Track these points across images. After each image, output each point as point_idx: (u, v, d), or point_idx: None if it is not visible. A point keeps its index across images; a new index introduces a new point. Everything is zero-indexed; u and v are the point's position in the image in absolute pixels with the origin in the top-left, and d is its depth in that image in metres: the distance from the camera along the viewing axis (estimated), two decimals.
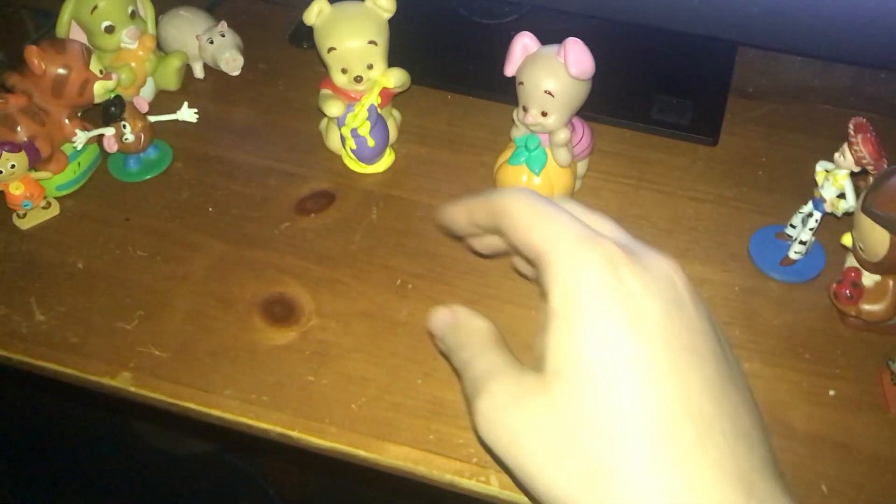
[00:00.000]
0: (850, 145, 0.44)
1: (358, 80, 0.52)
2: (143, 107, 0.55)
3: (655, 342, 0.26)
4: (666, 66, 0.64)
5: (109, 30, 0.57)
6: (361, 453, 0.42)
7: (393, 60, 0.54)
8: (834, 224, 0.49)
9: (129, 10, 0.57)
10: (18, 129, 0.50)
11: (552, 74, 0.47)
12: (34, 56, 0.50)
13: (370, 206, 0.55)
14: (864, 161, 0.44)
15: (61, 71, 0.51)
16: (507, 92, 0.51)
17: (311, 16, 0.51)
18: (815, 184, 0.48)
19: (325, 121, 0.57)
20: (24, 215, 0.53)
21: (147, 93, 0.61)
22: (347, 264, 0.51)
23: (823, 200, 0.47)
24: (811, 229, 0.48)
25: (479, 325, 0.33)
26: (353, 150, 0.54)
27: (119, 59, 0.58)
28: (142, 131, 0.54)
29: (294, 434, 0.43)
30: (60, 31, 0.57)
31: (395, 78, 0.53)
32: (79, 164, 0.55)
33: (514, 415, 0.27)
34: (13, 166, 0.50)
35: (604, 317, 0.26)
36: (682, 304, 0.28)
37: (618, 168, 0.57)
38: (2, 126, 0.50)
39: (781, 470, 0.27)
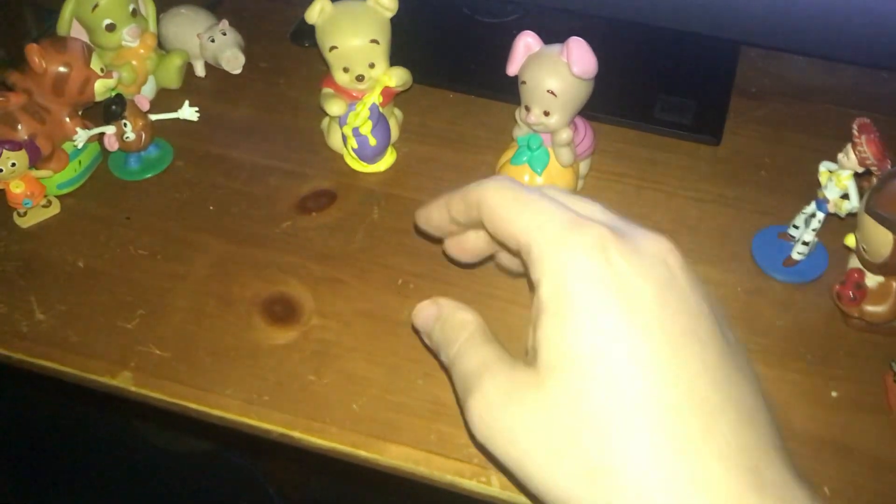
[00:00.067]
0: (854, 146, 0.44)
1: (360, 78, 0.52)
2: (144, 105, 0.55)
3: (651, 329, 0.25)
4: (668, 65, 0.63)
5: (110, 28, 0.57)
6: (362, 453, 0.42)
7: (395, 59, 0.53)
8: (837, 224, 0.49)
9: (130, 8, 0.57)
10: (19, 127, 0.50)
11: (555, 74, 0.46)
12: (35, 54, 0.50)
13: (371, 205, 0.54)
14: (868, 162, 0.44)
15: (62, 69, 0.51)
16: (509, 91, 0.51)
17: (313, 14, 0.51)
18: (818, 184, 0.48)
19: (326, 119, 0.57)
20: (25, 214, 0.52)
21: (148, 91, 0.60)
22: (348, 263, 0.51)
23: (827, 201, 0.47)
24: (814, 230, 0.48)
25: (466, 317, 0.32)
26: (354, 149, 0.54)
27: (120, 58, 0.58)
28: (143, 130, 0.54)
29: (295, 434, 0.43)
30: (61, 29, 0.57)
31: (397, 77, 0.53)
32: (79, 162, 0.54)
33: (509, 413, 0.26)
34: (14, 165, 0.49)
35: (596, 306, 0.25)
36: (678, 286, 0.26)
37: (620, 168, 0.57)
38: (2, 124, 0.49)
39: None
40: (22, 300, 0.48)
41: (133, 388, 0.44)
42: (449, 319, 0.32)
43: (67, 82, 0.51)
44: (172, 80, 0.62)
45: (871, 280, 0.45)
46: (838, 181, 0.46)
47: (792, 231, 0.51)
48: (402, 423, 0.43)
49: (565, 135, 0.49)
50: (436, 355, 0.33)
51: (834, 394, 0.44)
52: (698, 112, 0.59)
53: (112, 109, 0.53)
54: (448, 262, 0.50)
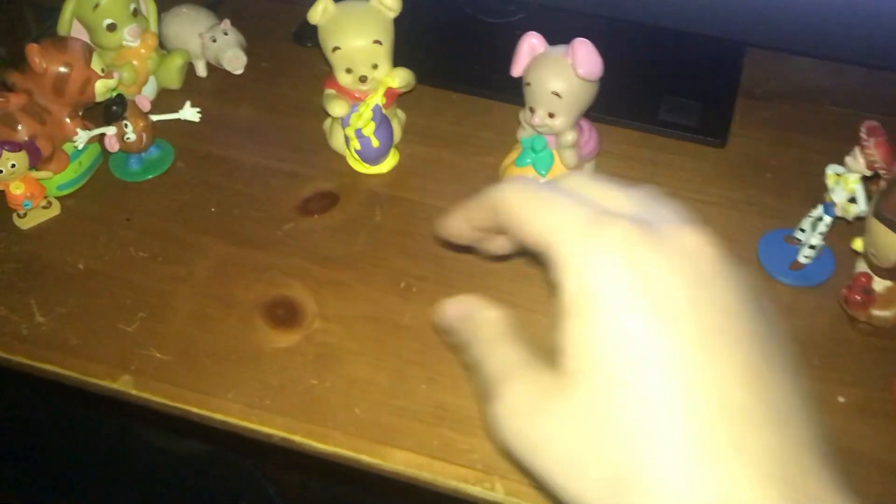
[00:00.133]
0: (863, 149, 0.44)
1: (363, 79, 0.52)
2: (145, 106, 0.54)
3: (682, 330, 0.24)
4: (674, 66, 0.63)
5: (111, 28, 0.56)
6: (365, 458, 0.42)
7: (397, 60, 0.53)
8: (844, 228, 0.48)
9: (131, 7, 0.57)
10: (19, 127, 0.49)
11: (560, 75, 0.46)
12: (35, 54, 0.49)
13: (374, 207, 0.54)
14: (877, 165, 0.43)
15: (62, 69, 0.50)
16: (512, 92, 0.50)
17: (316, 14, 0.51)
18: (824, 187, 0.47)
19: (328, 120, 0.57)
20: (25, 215, 0.52)
21: (149, 91, 0.60)
22: (351, 266, 0.50)
23: (834, 204, 0.46)
24: (821, 233, 0.48)
25: (494, 316, 0.30)
26: (357, 151, 0.54)
27: (121, 58, 0.58)
28: (143, 130, 0.54)
29: (297, 439, 0.42)
30: (62, 28, 0.56)
31: (400, 78, 0.53)
32: (80, 163, 0.54)
33: (534, 420, 0.26)
34: (14, 166, 0.49)
35: (621, 308, 0.24)
36: (712, 282, 0.25)
37: (625, 170, 0.56)
38: (2, 125, 0.49)
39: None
40: (21, 302, 0.48)
41: (134, 392, 0.44)
42: (475, 318, 0.30)
43: (68, 82, 0.51)
44: (173, 81, 0.61)
45: (879, 284, 0.45)
46: (846, 184, 0.46)
47: (798, 234, 0.50)
48: (404, 428, 0.42)
49: (570, 136, 0.48)
50: (457, 354, 0.32)
51: (841, 399, 0.44)
52: (704, 114, 0.59)
53: (113, 110, 0.53)
54: (452, 265, 0.50)
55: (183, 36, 0.62)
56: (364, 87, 0.53)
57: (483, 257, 0.36)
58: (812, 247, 0.49)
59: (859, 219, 0.46)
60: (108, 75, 0.53)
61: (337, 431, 0.42)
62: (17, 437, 1.07)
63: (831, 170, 0.47)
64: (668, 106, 0.59)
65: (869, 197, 0.45)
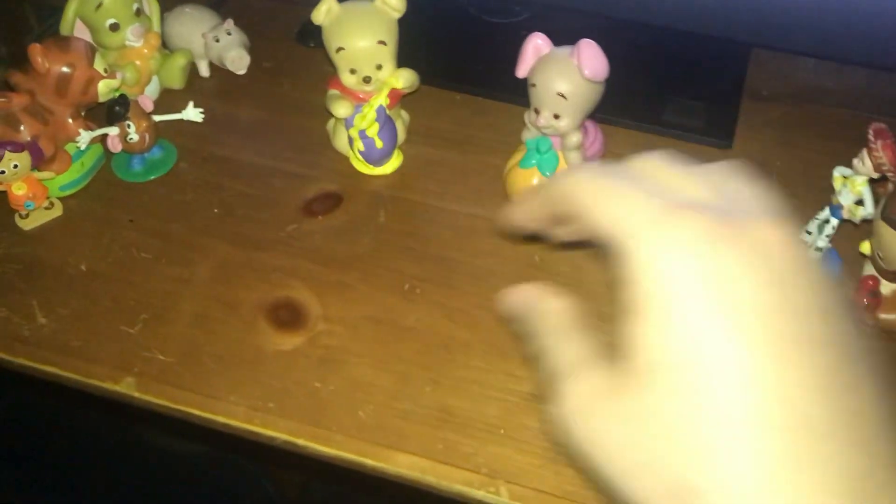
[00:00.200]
0: (870, 151, 0.44)
1: (367, 80, 0.52)
2: (148, 106, 0.54)
3: (756, 334, 0.22)
4: (679, 67, 0.63)
5: (114, 27, 0.56)
6: (368, 462, 0.41)
7: (401, 60, 0.53)
8: (850, 230, 0.48)
9: (134, 7, 0.56)
10: (21, 128, 0.49)
11: (565, 76, 0.46)
12: (38, 54, 0.49)
13: (378, 208, 0.54)
14: (885, 168, 0.43)
15: (65, 69, 0.50)
16: (516, 93, 0.50)
17: (320, 15, 0.50)
18: (830, 189, 0.47)
19: (332, 121, 0.57)
20: (27, 216, 0.52)
21: (152, 92, 0.60)
22: (355, 267, 0.50)
23: (841, 207, 0.46)
24: (827, 236, 0.48)
25: (562, 305, 0.29)
26: (360, 152, 0.53)
27: (124, 58, 0.58)
28: (146, 131, 0.54)
29: (300, 442, 0.42)
30: (64, 28, 0.56)
31: (404, 79, 0.52)
32: (82, 163, 0.54)
33: (598, 419, 0.25)
34: (16, 166, 0.49)
35: (695, 309, 0.23)
36: (790, 282, 0.23)
37: None
38: (5, 125, 0.49)
39: None
40: (23, 304, 0.48)
41: (136, 394, 0.44)
42: (543, 306, 0.29)
43: (70, 83, 0.50)
44: (176, 81, 0.61)
45: (886, 288, 0.44)
46: (853, 187, 0.46)
47: (805, 237, 0.50)
48: (409, 432, 0.42)
49: (575, 138, 0.48)
50: (521, 342, 0.31)
51: None
52: (709, 115, 0.59)
53: (115, 110, 0.52)
54: (456, 267, 0.50)
55: (186, 36, 0.62)
56: (368, 88, 0.52)
57: (546, 246, 0.35)
58: (818, 249, 0.48)
59: (866, 221, 0.45)
60: (111, 75, 0.52)
61: (340, 435, 0.42)
62: (18, 438, 1.07)
63: (838, 172, 0.47)
64: (673, 107, 0.59)
65: (876, 199, 0.45)
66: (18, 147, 0.49)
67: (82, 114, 0.53)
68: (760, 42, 0.59)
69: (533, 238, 0.33)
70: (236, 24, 0.62)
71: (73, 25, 0.56)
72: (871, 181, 0.45)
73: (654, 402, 0.23)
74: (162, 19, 0.61)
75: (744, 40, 0.59)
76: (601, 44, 0.45)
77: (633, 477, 0.23)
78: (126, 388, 0.44)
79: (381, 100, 0.51)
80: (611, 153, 0.55)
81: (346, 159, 0.56)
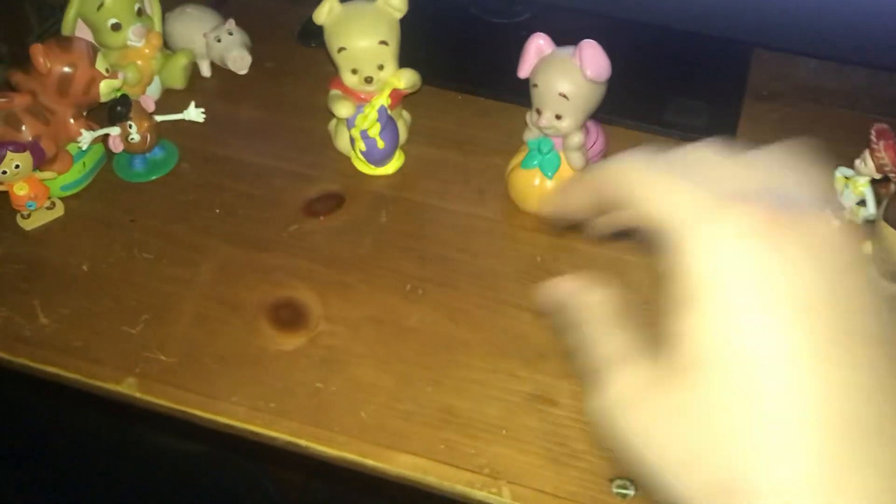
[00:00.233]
0: (872, 152, 0.44)
1: (368, 80, 0.52)
2: (150, 106, 0.54)
3: (810, 331, 0.22)
4: (681, 67, 0.63)
5: (116, 27, 0.56)
6: (370, 462, 0.41)
7: (403, 60, 0.53)
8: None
9: (136, 7, 0.56)
10: (23, 128, 0.49)
11: (567, 77, 0.46)
12: (39, 54, 0.49)
13: (379, 208, 0.54)
14: (887, 168, 0.43)
15: (67, 69, 0.50)
16: (518, 93, 0.50)
17: (322, 15, 0.50)
18: (833, 190, 0.47)
19: (334, 121, 0.57)
20: (29, 216, 0.52)
21: (153, 92, 0.60)
22: (356, 268, 0.50)
23: (842, 208, 0.46)
24: None
25: (602, 297, 0.29)
26: (362, 152, 0.53)
27: (125, 58, 0.57)
28: (148, 131, 0.53)
29: (302, 442, 0.42)
30: (66, 28, 0.56)
31: (406, 79, 0.52)
32: (84, 164, 0.54)
33: (644, 411, 0.24)
34: (17, 166, 0.49)
35: (748, 303, 0.22)
36: (843, 278, 0.23)
37: None
38: (6, 125, 0.49)
39: None
40: (25, 304, 0.48)
41: (138, 395, 0.44)
42: (587, 297, 0.29)
43: (72, 83, 0.50)
44: (178, 81, 0.61)
45: (889, 288, 0.44)
46: (855, 188, 0.46)
47: None
48: (410, 432, 0.42)
49: (577, 138, 0.48)
50: (559, 336, 0.30)
51: None
52: (710, 115, 0.59)
53: (117, 110, 0.52)
54: (457, 267, 0.50)
55: (187, 36, 0.62)
56: (370, 88, 0.52)
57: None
58: None
59: (868, 222, 0.45)
60: (113, 75, 0.52)
61: (342, 435, 0.42)
62: (18, 438, 1.07)
63: (840, 173, 0.47)
64: (675, 107, 0.59)
65: (878, 200, 0.45)
66: (20, 147, 0.49)
67: (84, 114, 0.53)
68: (762, 42, 0.59)
69: (572, 228, 0.32)
70: (238, 24, 0.62)
71: (75, 25, 0.56)
72: (873, 182, 0.45)
73: (703, 398, 0.23)
74: (163, 19, 0.61)
75: (745, 40, 0.59)
76: (603, 44, 0.45)
77: (679, 472, 0.23)
78: (127, 388, 0.44)
79: (383, 100, 0.51)
80: (613, 153, 0.55)
81: (347, 159, 0.56)
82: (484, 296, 0.48)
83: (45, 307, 0.48)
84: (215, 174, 0.56)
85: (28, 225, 0.52)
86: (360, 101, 0.52)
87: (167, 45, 0.61)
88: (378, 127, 0.52)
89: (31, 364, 0.45)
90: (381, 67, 0.51)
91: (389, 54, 0.51)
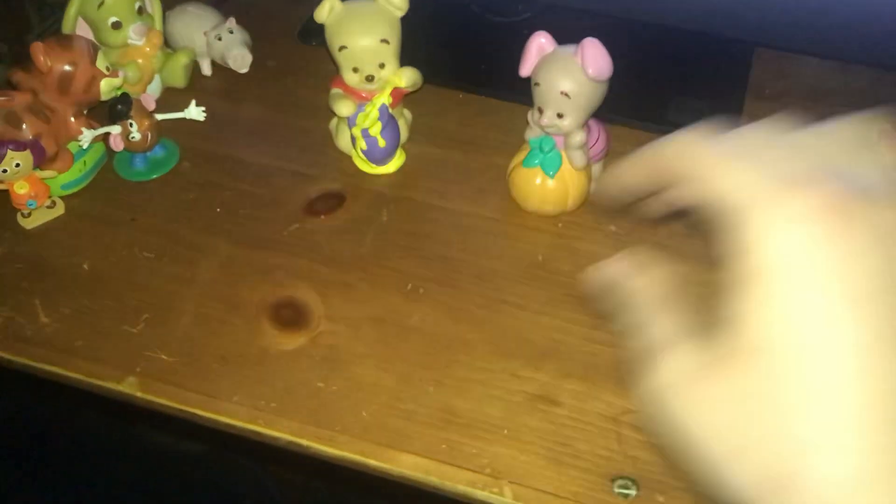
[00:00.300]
0: None
1: (369, 79, 0.51)
2: (150, 105, 0.54)
3: (875, 322, 0.21)
4: (683, 66, 0.62)
5: (116, 26, 0.56)
6: (372, 462, 0.41)
7: (404, 59, 0.53)
8: None
9: (137, 6, 0.56)
10: (23, 127, 0.49)
11: (569, 75, 0.46)
12: (40, 52, 0.49)
13: (380, 207, 0.54)
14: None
15: (67, 68, 0.50)
16: (520, 92, 0.50)
17: (323, 13, 0.50)
18: None
19: (335, 120, 0.57)
20: (29, 215, 0.52)
21: (154, 90, 0.60)
22: (358, 267, 0.50)
23: None
24: None
25: (655, 278, 0.28)
26: (363, 151, 0.53)
27: (126, 56, 0.57)
28: (148, 130, 0.53)
29: (303, 442, 0.42)
30: (66, 26, 0.56)
31: (407, 77, 0.52)
32: (84, 162, 0.54)
33: (696, 394, 0.23)
34: (18, 165, 0.49)
35: (812, 289, 0.22)
36: None
37: None
38: (7, 124, 0.49)
39: None
40: (26, 303, 0.48)
41: (139, 394, 0.44)
42: (638, 278, 0.28)
43: (73, 81, 0.50)
44: (179, 79, 0.61)
45: None
46: None
47: None
48: (412, 432, 0.42)
49: (579, 137, 0.48)
50: (609, 319, 0.29)
51: None
52: (713, 114, 0.58)
53: (118, 109, 0.52)
54: (459, 267, 0.50)
55: (188, 34, 0.61)
56: (371, 87, 0.52)
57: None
58: None
59: None
60: (113, 74, 0.52)
61: (344, 435, 0.42)
62: (18, 438, 1.07)
63: None
64: (677, 106, 0.59)
65: None
66: (20, 146, 0.48)
67: (84, 112, 0.53)
68: (763, 41, 0.59)
69: (622, 211, 0.30)
70: (238, 22, 0.62)
71: (75, 24, 0.56)
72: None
73: (759, 385, 0.22)
74: (164, 18, 0.61)
75: (747, 39, 0.59)
76: (604, 43, 0.45)
77: (729, 461, 0.22)
78: (129, 387, 0.44)
79: (384, 99, 0.51)
80: (614, 152, 0.55)
81: (348, 158, 0.56)
82: (485, 295, 0.48)
83: (45, 306, 0.48)
84: (216, 173, 0.56)
85: (28, 224, 0.52)
86: (362, 100, 0.52)
87: (168, 44, 0.61)
88: (379, 126, 0.52)
89: (32, 363, 0.45)
90: (382, 66, 0.51)
91: (391, 53, 0.51)
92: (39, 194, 0.51)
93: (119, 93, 0.53)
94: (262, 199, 0.54)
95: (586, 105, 0.47)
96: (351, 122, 0.52)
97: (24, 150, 0.49)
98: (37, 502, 1.02)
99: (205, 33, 0.61)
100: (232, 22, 0.61)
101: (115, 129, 0.53)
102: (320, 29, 0.52)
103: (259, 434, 0.42)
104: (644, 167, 0.29)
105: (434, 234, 0.52)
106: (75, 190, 0.54)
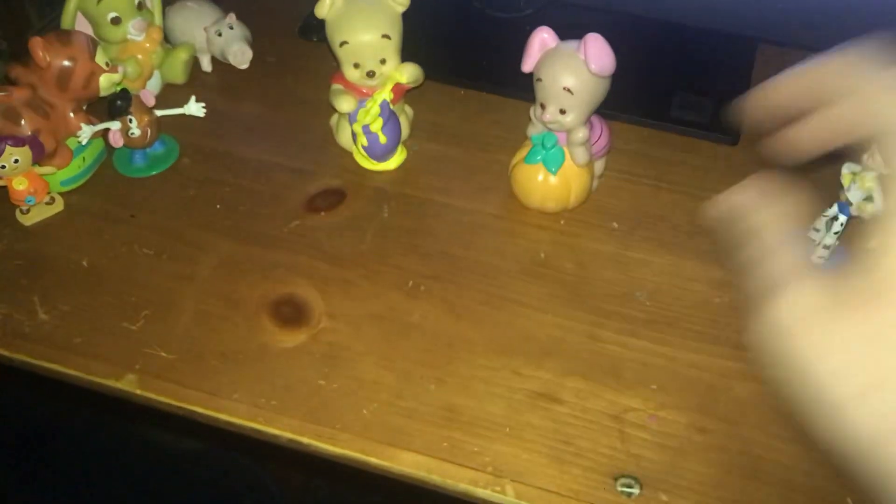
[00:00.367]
0: None
1: (370, 74, 0.51)
2: (150, 100, 0.54)
3: None
4: (686, 63, 0.62)
5: (116, 21, 0.56)
6: (373, 460, 0.41)
7: (405, 55, 0.52)
8: (859, 227, 0.47)
9: (136, 1, 0.56)
10: (22, 122, 0.49)
11: (572, 71, 0.45)
12: (39, 48, 0.48)
13: (381, 204, 0.53)
14: None
15: (66, 63, 0.49)
16: (521, 88, 0.50)
17: (324, 8, 0.50)
18: (839, 186, 0.47)
19: (335, 116, 0.56)
20: (28, 211, 0.51)
21: (153, 86, 0.59)
22: (358, 264, 0.50)
23: (849, 204, 0.46)
24: (836, 233, 0.47)
25: (783, 208, 0.26)
26: (364, 147, 0.53)
27: (125, 52, 0.57)
28: (148, 126, 0.53)
29: (304, 440, 0.42)
30: (66, 22, 0.56)
31: (409, 73, 0.52)
32: (84, 158, 0.53)
33: (825, 327, 0.22)
34: (17, 161, 0.48)
35: None
36: None
37: (636, 167, 0.55)
38: (5, 120, 0.48)
39: None
40: (24, 300, 0.47)
41: (138, 392, 0.43)
42: (765, 208, 0.26)
43: (72, 77, 0.50)
44: (178, 75, 0.61)
45: None
46: (862, 183, 0.45)
47: (812, 234, 0.49)
48: (413, 430, 0.42)
49: (581, 133, 0.48)
50: (727, 253, 0.27)
51: None
52: (716, 111, 0.58)
53: (117, 105, 0.52)
54: (460, 264, 0.49)
55: (188, 30, 0.61)
56: (372, 83, 0.52)
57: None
58: (826, 247, 0.48)
59: (875, 218, 0.45)
60: (113, 69, 0.52)
61: (345, 433, 0.42)
62: (19, 436, 1.07)
63: (847, 168, 0.46)
64: (680, 103, 0.59)
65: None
66: (19, 141, 0.48)
67: (84, 108, 0.53)
68: (767, 37, 0.59)
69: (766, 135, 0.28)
70: (238, 18, 0.61)
71: (75, 19, 0.56)
72: (882, 177, 0.45)
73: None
74: (164, 13, 0.60)
75: (751, 35, 0.59)
76: (607, 38, 0.45)
77: (853, 402, 0.21)
78: (128, 385, 0.44)
79: (385, 95, 0.51)
80: (617, 149, 0.54)
81: (349, 155, 0.56)
82: (487, 292, 0.48)
83: (44, 303, 0.47)
84: (216, 169, 0.55)
85: (27, 220, 0.51)
86: (362, 96, 0.52)
87: (167, 40, 0.61)
88: (380, 122, 0.51)
89: (31, 361, 0.45)
90: (383, 62, 0.51)
91: (392, 48, 0.51)
92: (38, 190, 0.51)
93: (118, 89, 0.53)
94: (263, 196, 0.54)
95: (589, 101, 0.47)
96: (352, 118, 0.52)
97: (23, 145, 0.48)
98: (36, 500, 1.02)
99: (205, 29, 0.61)
100: (232, 18, 0.61)
101: (115, 125, 0.52)
102: (321, 25, 0.51)
103: (259, 432, 0.42)
104: (802, 81, 0.27)
105: (435, 231, 0.51)
106: (74, 186, 0.53)
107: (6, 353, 0.45)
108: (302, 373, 0.44)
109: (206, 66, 0.63)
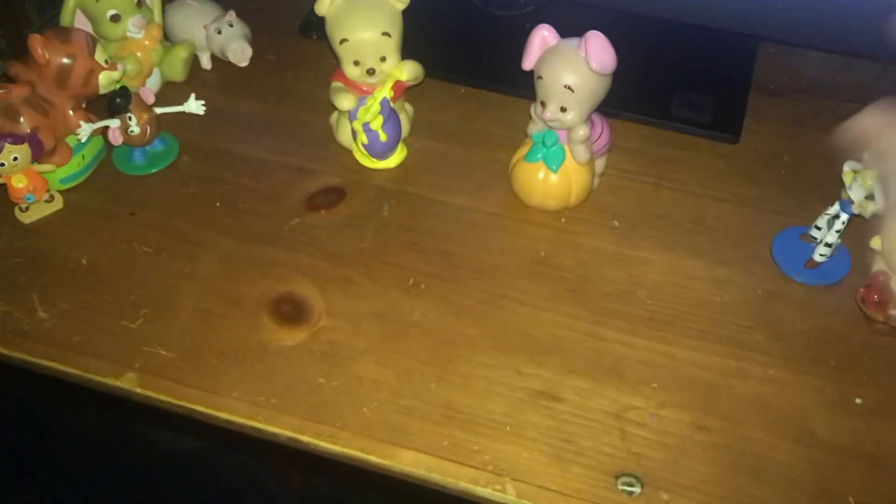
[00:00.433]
0: None
1: (370, 72, 0.51)
2: (149, 98, 0.54)
3: None
4: (686, 61, 0.62)
5: (115, 19, 0.55)
6: (373, 459, 0.41)
7: (406, 52, 0.52)
8: (861, 225, 0.47)
9: None
10: (21, 120, 0.49)
11: (572, 69, 0.45)
12: (38, 45, 0.48)
13: (381, 202, 0.53)
14: None
15: (65, 60, 0.49)
16: (522, 86, 0.49)
17: (324, 6, 0.50)
18: (840, 184, 0.47)
19: (335, 114, 0.56)
20: (27, 209, 0.51)
21: (153, 84, 0.59)
22: (358, 262, 0.49)
23: (851, 202, 0.46)
24: (837, 231, 0.47)
25: None
26: (364, 145, 0.53)
27: (125, 49, 0.57)
28: (148, 123, 0.53)
29: (304, 438, 0.41)
30: (65, 19, 0.56)
31: (409, 71, 0.52)
32: (83, 156, 0.53)
33: None
34: (16, 159, 0.48)
35: None
36: None
37: (637, 166, 0.55)
38: (4, 117, 0.48)
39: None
40: (24, 298, 0.47)
41: (138, 390, 0.43)
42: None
43: (71, 74, 0.50)
44: (178, 73, 0.61)
45: None
46: (863, 181, 0.45)
47: (814, 232, 0.49)
48: (413, 428, 0.42)
49: (582, 131, 0.47)
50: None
51: (858, 400, 0.43)
52: (717, 109, 0.58)
53: (116, 102, 0.52)
54: (460, 262, 0.49)
55: (187, 28, 0.61)
56: (372, 80, 0.52)
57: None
58: (828, 245, 0.48)
59: (877, 216, 0.45)
60: (112, 67, 0.52)
61: (345, 431, 0.41)
62: (19, 436, 1.06)
63: (848, 166, 0.46)
64: (681, 101, 0.58)
65: None
66: (18, 139, 0.48)
67: (83, 106, 0.53)
68: (768, 35, 0.58)
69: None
70: (238, 15, 0.61)
71: (74, 16, 0.56)
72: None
73: None
74: (163, 11, 0.60)
75: (751, 33, 0.59)
76: (608, 36, 0.45)
77: None
78: (127, 383, 0.44)
79: (385, 92, 0.51)
80: (618, 147, 0.54)
81: (349, 153, 0.56)
82: (487, 291, 0.48)
83: (43, 301, 0.47)
84: (216, 167, 0.55)
85: (26, 218, 0.51)
86: (363, 94, 0.52)
87: (167, 37, 0.61)
88: (380, 120, 0.51)
89: (30, 359, 0.45)
90: (383, 59, 0.51)
91: (392, 46, 0.51)
92: (37, 188, 0.51)
93: (118, 86, 0.52)
94: (262, 194, 0.54)
95: (590, 99, 0.46)
96: (352, 116, 0.52)
97: (22, 143, 0.48)
98: (36, 500, 1.02)
99: (204, 27, 0.61)
100: (232, 15, 0.61)
101: (114, 123, 0.52)
102: (321, 22, 0.51)
103: (259, 430, 0.42)
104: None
105: (435, 229, 0.51)
106: (74, 184, 0.53)
107: (5, 352, 0.45)
108: (302, 371, 0.44)
109: (206, 63, 0.63)
